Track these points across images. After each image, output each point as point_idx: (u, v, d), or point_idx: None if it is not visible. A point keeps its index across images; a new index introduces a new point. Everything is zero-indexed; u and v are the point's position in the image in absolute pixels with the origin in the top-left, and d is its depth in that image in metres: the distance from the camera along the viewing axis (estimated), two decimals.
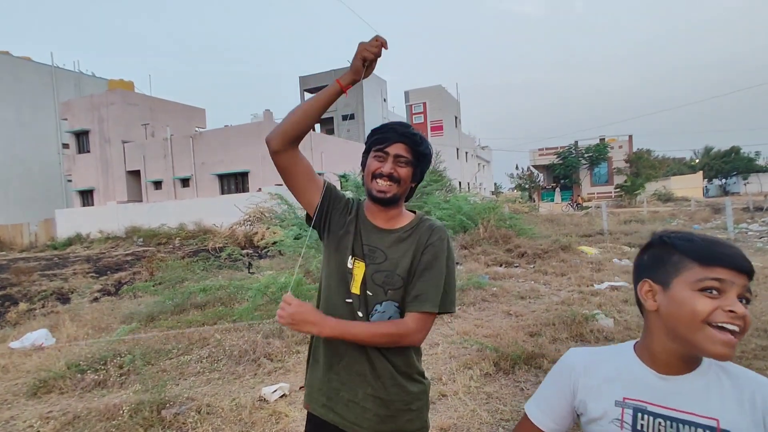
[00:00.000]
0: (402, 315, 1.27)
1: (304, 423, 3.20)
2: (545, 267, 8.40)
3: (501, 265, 9.06)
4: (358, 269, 1.29)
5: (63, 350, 4.99)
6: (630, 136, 39.58)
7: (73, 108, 26.78)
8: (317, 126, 42.50)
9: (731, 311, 0.75)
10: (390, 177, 1.27)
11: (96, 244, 20.85)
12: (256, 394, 3.54)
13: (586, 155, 38.60)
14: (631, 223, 16.01)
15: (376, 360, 1.28)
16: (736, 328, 0.76)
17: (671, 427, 0.79)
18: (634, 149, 39.31)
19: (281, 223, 12.97)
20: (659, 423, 0.80)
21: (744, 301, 0.77)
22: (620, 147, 38.95)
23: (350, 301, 1.29)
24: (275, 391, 3.50)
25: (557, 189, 39.65)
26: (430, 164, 1.39)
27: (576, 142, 39.83)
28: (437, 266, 1.27)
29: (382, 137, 1.32)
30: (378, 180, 1.28)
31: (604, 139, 39.78)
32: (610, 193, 37.47)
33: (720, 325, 0.76)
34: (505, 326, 4.96)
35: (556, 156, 39.60)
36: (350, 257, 1.31)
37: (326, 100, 1.28)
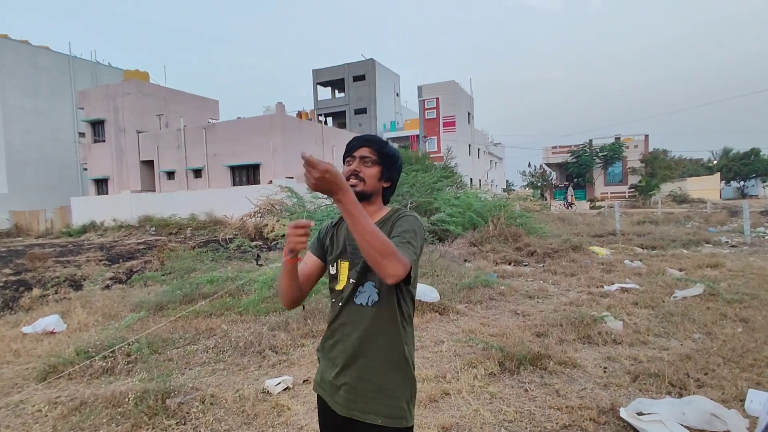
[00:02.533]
0: (379, 296, 1.40)
1: (306, 417, 3.21)
2: (555, 267, 8.32)
3: (510, 264, 8.99)
4: (343, 268, 1.46)
5: (73, 336, 5.07)
6: (646, 136, 38.95)
7: (89, 97, 27.11)
8: (329, 120, 42.57)
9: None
10: (356, 175, 1.45)
11: (110, 232, 21.16)
12: (260, 386, 3.56)
13: (600, 154, 38.07)
14: (645, 224, 15.76)
15: (364, 342, 1.40)
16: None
17: None
18: (650, 149, 38.68)
19: (291, 216, 13.02)
20: None
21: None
22: (636, 146, 38.34)
23: (339, 289, 1.47)
24: (279, 383, 3.51)
25: (570, 187, 39.22)
26: (397, 166, 1.54)
27: (590, 140, 39.28)
28: (406, 228, 1.39)
29: (350, 146, 1.52)
30: (348, 180, 1.45)
31: (619, 138, 39.18)
32: (624, 193, 36.94)
33: None
34: (511, 325, 4.92)
35: (569, 154, 39.11)
36: (332, 265, 1.51)
37: (286, 276, 1.46)
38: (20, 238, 21.25)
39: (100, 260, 11.40)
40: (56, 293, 7.53)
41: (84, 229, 22.32)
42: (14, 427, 3.11)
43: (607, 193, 37.79)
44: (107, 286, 8.17)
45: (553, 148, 41.08)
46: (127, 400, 3.23)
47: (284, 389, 3.50)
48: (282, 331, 4.79)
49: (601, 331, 4.46)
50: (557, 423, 2.85)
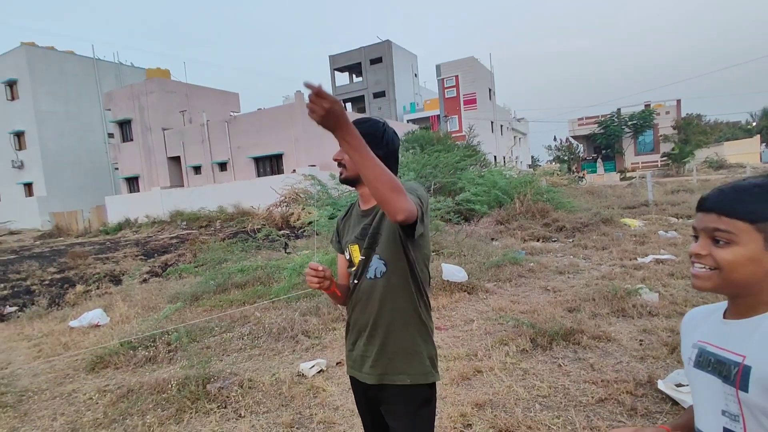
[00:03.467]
0: (386, 266, 1.44)
1: (341, 397, 3.27)
2: (585, 241, 8.14)
3: (538, 240, 8.85)
4: (354, 250, 1.52)
5: (116, 328, 5.31)
6: (678, 101, 37.24)
7: (115, 98, 27.81)
8: (348, 105, 42.44)
9: (690, 253, 0.89)
10: (339, 163, 1.49)
11: (143, 228, 21.90)
12: (295, 369, 3.65)
13: (629, 123, 36.67)
14: (679, 193, 15.18)
15: (380, 311, 1.45)
16: (699, 266, 0.87)
17: (715, 363, 0.88)
18: (683, 114, 36.98)
19: (316, 203, 13.13)
20: (709, 359, 0.90)
21: (719, 242, 0.84)
22: (667, 113, 36.74)
23: (353, 270, 1.53)
24: (313, 366, 3.60)
25: (599, 159, 38.06)
26: (379, 142, 1.44)
27: (618, 109, 37.83)
28: (406, 188, 1.34)
29: None
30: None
31: (649, 105, 37.58)
32: (656, 162, 35.59)
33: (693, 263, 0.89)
34: (542, 302, 4.86)
35: (597, 125, 37.84)
36: (345, 251, 1.57)
37: (331, 296, 1.57)
38: (61, 238, 22.24)
39: (137, 255, 11.84)
40: (98, 288, 7.89)
41: (120, 227, 23.16)
42: (68, 415, 3.31)
43: (638, 163, 36.52)
44: (145, 280, 8.49)
45: (579, 119, 39.84)
46: (170, 386, 3.37)
47: (318, 372, 3.59)
48: (313, 316, 4.88)
49: (635, 304, 4.36)
50: (593, 397, 2.82)
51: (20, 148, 30.87)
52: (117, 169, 28.90)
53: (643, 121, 36.20)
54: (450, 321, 4.56)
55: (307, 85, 1.05)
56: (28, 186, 30.94)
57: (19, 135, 30.71)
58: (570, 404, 2.79)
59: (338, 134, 1.12)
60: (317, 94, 1.05)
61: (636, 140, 37.43)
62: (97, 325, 5.55)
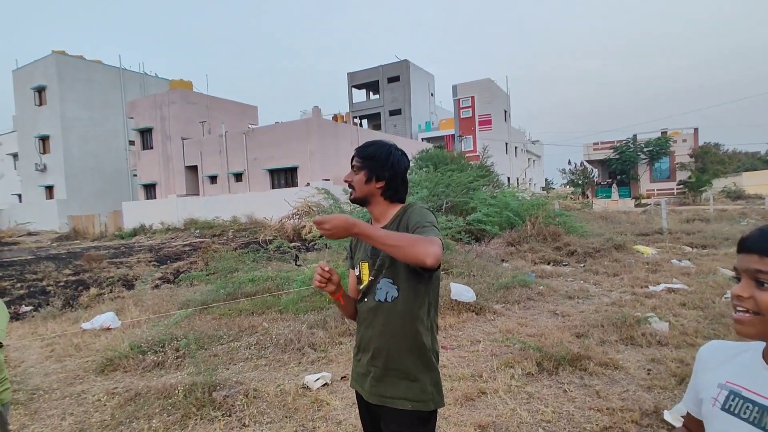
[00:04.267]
0: (398, 290, 1.47)
1: (345, 412, 3.29)
2: (596, 266, 8.07)
3: (549, 264, 8.79)
4: (364, 268, 1.55)
5: (127, 332, 5.40)
6: (695, 129, 36.90)
7: (138, 107, 28.61)
8: (365, 122, 42.93)
9: (732, 295, 0.85)
10: (349, 185, 1.57)
11: (158, 234, 22.23)
12: (300, 381, 3.67)
13: (645, 149, 36.43)
14: (695, 222, 14.98)
15: (386, 334, 1.48)
16: (741, 309, 0.83)
17: (756, 412, 0.82)
18: (700, 143, 36.64)
19: (313, 219, 13.21)
20: (747, 407, 0.84)
21: (763, 284, 0.80)
22: (684, 141, 36.40)
23: (362, 288, 1.56)
24: (318, 379, 3.62)
25: (614, 185, 37.75)
26: (384, 163, 1.54)
27: (635, 135, 37.65)
28: (419, 220, 1.44)
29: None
30: None
31: (666, 132, 37.33)
32: (672, 189, 35.17)
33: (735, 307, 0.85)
34: (550, 326, 4.83)
35: (612, 150, 37.66)
36: (356, 268, 1.61)
37: (337, 305, 1.63)
38: (78, 241, 22.67)
39: (150, 261, 12.02)
40: (111, 292, 8.02)
41: (134, 232, 23.55)
42: (77, 415, 3.37)
43: (653, 190, 36.11)
44: (157, 286, 8.61)
45: (595, 144, 39.66)
46: (177, 392, 3.42)
47: (323, 385, 3.60)
48: (320, 329, 4.91)
49: (645, 333, 4.31)
50: (597, 424, 2.80)
51: (44, 152, 31.78)
52: (135, 175, 29.54)
53: (660, 148, 35.92)
54: (456, 341, 4.56)
55: (314, 221, 1.33)
56: (49, 189, 31.74)
57: (44, 139, 31.65)
58: (574, 430, 2.77)
59: (354, 234, 1.32)
60: (317, 223, 1.31)
61: (652, 167, 37.08)
62: (109, 328, 5.65)
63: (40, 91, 31.55)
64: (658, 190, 35.88)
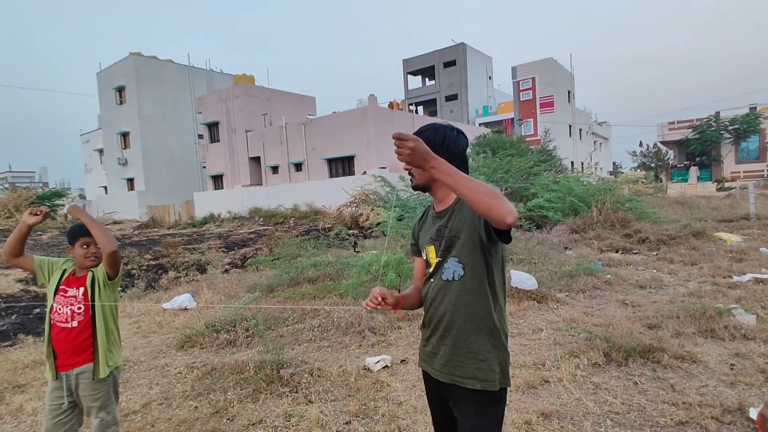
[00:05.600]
0: (464, 270, 1.46)
1: (405, 393, 3.35)
2: (671, 255, 7.54)
3: (617, 252, 8.33)
4: (431, 251, 1.55)
5: (202, 312, 5.81)
6: None
7: (205, 102, 30.25)
8: (420, 108, 42.54)
9: None
10: (409, 172, 1.55)
11: (225, 223, 23.56)
12: (361, 363, 3.79)
13: (730, 128, 33.13)
14: None
15: (455, 313, 1.48)
16: None
17: None
18: None
19: (384, 205, 13.37)
20: None
21: None
22: None
23: (430, 271, 1.56)
24: (378, 362, 3.71)
25: (693, 167, 34.80)
26: (440, 147, 1.49)
27: (717, 112, 34.31)
28: None
29: None
30: None
31: (755, 107, 33.72)
32: (762, 171, 31.83)
33: None
34: (618, 316, 4.60)
35: (691, 130, 34.60)
36: (422, 252, 1.62)
37: (408, 308, 1.65)
38: (155, 229, 24.56)
39: (220, 247, 12.79)
40: (186, 275, 8.65)
41: (205, 221, 25.11)
42: (162, 385, 3.70)
43: (739, 173, 32.86)
44: (226, 270, 9.17)
45: (670, 123, 36.63)
46: (248, 368, 3.66)
47: (383, 367, 3.69)
48: (380, 314, 5.01)
49: (728, 325, 3.99)
50: (672, 419, 2.65)
51: (125, 147, 34.56)
52: (204, 167, 31.36)
53: (747, 125, 32.49)
54: (517, 329, 4.47)
55: (393, 136, 1.26)
56: (131, 181, 34.53)
57: (124, 135, 34.39)
58: (645, 424, 2.64)
59: (427, 167, 1.27)
60: (398, 137, 1.24)
61: (738, 147, 33.70)
62: (186, 308, 6.11)
63: (120, 90, 34.21)
64: (744, 172, 32.59)
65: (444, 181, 1.27)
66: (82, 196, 42.39)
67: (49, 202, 29.05)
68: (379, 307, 1.54)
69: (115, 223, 28.31)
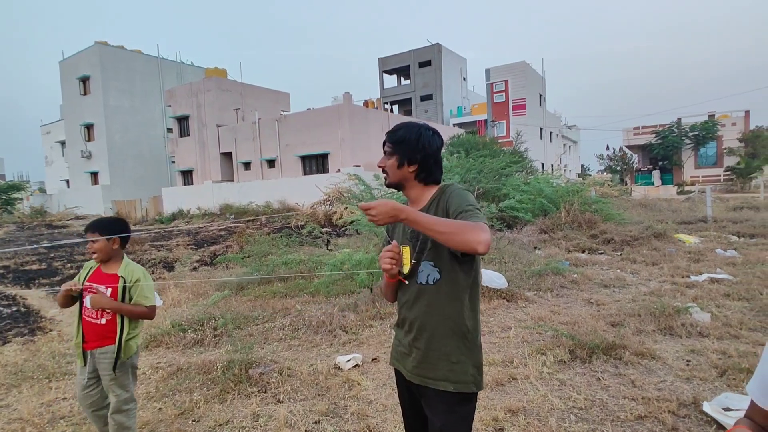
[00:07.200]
0: (440, 272, 1.47)
1: (375, 392, 3.34)
2: (634, 255, 7.82)
3: (584, 252, 8.59)
4: (405, 252, 1.54)
5: (168, 311, 5.66)
6: (746, 112, 34.73)
7: (175, 95, 29.40)
8: (395, 107, 42.63)
9: None
10: (383, 170, 1.59)
11: (195, 219, 23.00)
12: (332, 362, 3.77)
13: (690, 134, 34.62)
14: (743, 210, 14.19)
15: (429, 316, 1.49)
16: None
17: None
18: (752, 127, 34.51)
19: (358, 203, 13.31)
20: None
21: None
22: (734, 124, 34.34)
23: (405, 272, 1.53)
24: (349, 360, 3.70)
25: (655, 172, 36.18)
26: (414, 147, 1.52)
27: (679, 119, 35.80)
28: (460, 203, 1.43)
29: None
30: None
31: (713, 115, 35.34)
32: (719, 176, 33.39)
33: None
34: (584, 314, 4.74)
35: (654, 135, 36.00)
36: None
37: (388, 288, 1.62)
38: None
39: (188, 245, 12.48)
40: (153, 273, 8.40)
41: (173, 217, 24.45)
42: None
43: (698, 177, 34.40)
44: (195, 268, 8.95)
45: (635, 129, 37.98)
46: (215, 368, 3.58)
47: (354, 366, 3.68)
48: (351, 312, 5.00)
49: (684, 323, 4.18)
50: (632, 413, 2.75)
51: (89, 140, 33.21)
52: (173, 162, 30.51)
53: (706, 132, 34.05)
54: (487, 327, 4.54)
55: (360, 207, 1.35)
56: (95, 175, 33.24)
57: (88, 127, 33.04)
58: (607, 419, 2.73)
59: (401, 220, 1.34)
60: (363, 209, 1.34)
61: (697, 152, 35.26)
62: None
63: (85, 80, 32.84)
64: (703, 176, 34.17)
65: (416, 228, 1.34)
66: (42, 190, 40.59)
67: (6, 195, 27.62)
68: (395, 264, 1.46)
69: (78, 218, 27.18)
